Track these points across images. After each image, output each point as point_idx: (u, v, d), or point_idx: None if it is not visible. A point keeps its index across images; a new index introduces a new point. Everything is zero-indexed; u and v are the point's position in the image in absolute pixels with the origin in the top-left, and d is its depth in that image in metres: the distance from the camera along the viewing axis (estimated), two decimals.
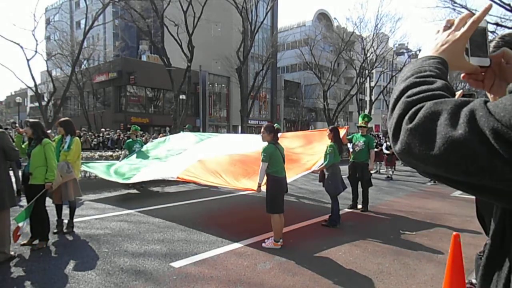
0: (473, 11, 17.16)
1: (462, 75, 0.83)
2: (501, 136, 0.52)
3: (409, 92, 0.67)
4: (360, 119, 7.60)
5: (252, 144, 6.94)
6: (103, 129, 20.53)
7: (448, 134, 0.55)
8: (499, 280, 0.71)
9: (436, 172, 0.60)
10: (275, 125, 5.27)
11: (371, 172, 7.39)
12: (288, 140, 6.90)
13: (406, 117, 0.62)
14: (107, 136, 18.33)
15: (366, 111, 37.58)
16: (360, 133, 7.30)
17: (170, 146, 8.35)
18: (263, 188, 4.79)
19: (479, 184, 0.56)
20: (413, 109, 0.62)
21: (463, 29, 0.75)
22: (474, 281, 3.19)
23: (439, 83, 0.68)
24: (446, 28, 0.79)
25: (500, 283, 0.70)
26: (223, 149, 6.98)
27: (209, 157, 6.53)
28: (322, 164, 5.78)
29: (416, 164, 0.62)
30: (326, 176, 5.84)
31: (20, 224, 4.23)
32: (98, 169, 7.97)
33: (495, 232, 0.75)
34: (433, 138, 0.57)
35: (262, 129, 4.86)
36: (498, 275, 0.71)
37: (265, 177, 4.76)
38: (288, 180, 5.03)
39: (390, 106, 0.70)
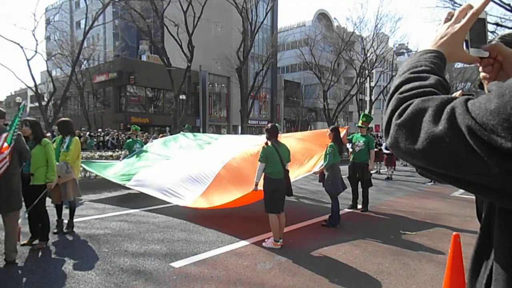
0: None
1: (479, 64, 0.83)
2: (475, 133, 0.55)
3: (402, 88, 0.70)
4: (360, 119, 7.60)
5: (249, 146, 6.91)
6: (100, 129, 20.52)
7: (430, 130, 0.59)
8: (485, 272, 0.72)
9: (421, 165, 0.63)
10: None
11: (371, 172, 7.39)
12: (288, 141, 6.90)
13: (396, 113, 0.66)
14: (107, 137, 18.27)
15: (366, 111, 37.56)
16: (360, 133, 7.30)
17: (170, 152, 8.31)
18: (260, 187, 4.84)
19: (461, 178, 0.60)
20: (403, 106, 0.66)
21: (462, 21, 0.76)
22: None
23: (432, 79, 0.70)
24: (447, 20, 0.80)
25: (485, 274, 0.72)
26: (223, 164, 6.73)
27: (212, 190, 6.28)
28: (322, 165, 5.78)
29: (404, 158, 0.65)
30: (326, 176, 5.84)
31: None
32: (99, 170, 7.98)
33: (483, 226, 0.76)
34: (417, 134, 0.61)
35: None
36: (485, 268, 0.73)
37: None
38: (291, 179, 5.06)
39: (386, 101, 0.73)
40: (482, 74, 0.83)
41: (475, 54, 0.77)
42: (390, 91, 0.73)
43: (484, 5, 0.75)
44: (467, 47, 0.77)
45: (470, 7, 0.76)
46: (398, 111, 0.66)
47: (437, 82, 0.69)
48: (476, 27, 0.76)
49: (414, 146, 0.61)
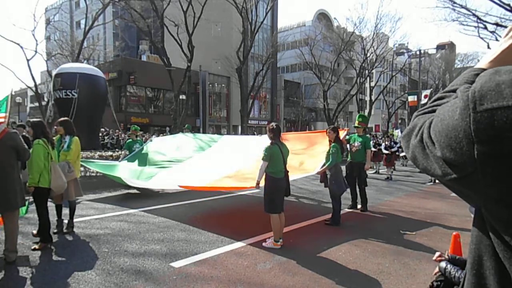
0: (473, 11, 16.98)
1: None
2: (427, 144, 0.69)
3: (425, 106, 0.81)
4: (356, 119, 7.63)
5: (253, 151, 6.90)
6: (102, 129, 20.51)
7: (412, 142, 0.75)
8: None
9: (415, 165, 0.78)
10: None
11: (369, 172, 7.38)
12: (289, 141, 6.89)
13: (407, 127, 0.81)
14: (107, 138, 18.24)
15: (366, 111, 37.59)
16: (357, 134, 7.31)
17: (172, 153, 8.32)
18: (262, 184, 4.83)
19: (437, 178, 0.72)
20: (412, 121, 0.80)
21: None
22: None
23: (453, 97, 0.75)
24: (505, 35, 0.76)
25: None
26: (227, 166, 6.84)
27: (212, 178, 6.42)
28: (325, 165, 5.78)
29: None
30: (328, 176, 5.83)
31: None
32: (100, 168, 7.98)
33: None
34: (408, 144, 0.77)
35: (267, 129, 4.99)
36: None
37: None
38: (290, 179, 5.05)
39: None
40: None
41: None
42: None
43: None
44: None
45: None
46: (409, 125, 0.80)
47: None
48: None
49: (408, 154, 0.77)
